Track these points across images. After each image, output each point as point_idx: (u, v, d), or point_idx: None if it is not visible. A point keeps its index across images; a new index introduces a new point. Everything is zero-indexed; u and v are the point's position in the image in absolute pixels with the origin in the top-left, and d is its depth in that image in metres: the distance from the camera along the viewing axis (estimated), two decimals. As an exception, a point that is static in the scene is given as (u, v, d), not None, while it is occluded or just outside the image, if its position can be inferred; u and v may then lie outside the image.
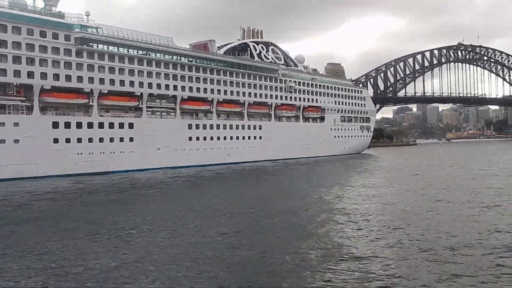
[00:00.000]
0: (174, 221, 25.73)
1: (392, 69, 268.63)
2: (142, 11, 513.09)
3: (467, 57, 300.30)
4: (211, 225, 24.25)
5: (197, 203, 32.11)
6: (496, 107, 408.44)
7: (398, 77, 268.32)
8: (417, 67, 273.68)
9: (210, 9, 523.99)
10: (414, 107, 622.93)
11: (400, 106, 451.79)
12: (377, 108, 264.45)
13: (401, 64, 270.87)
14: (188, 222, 25.55)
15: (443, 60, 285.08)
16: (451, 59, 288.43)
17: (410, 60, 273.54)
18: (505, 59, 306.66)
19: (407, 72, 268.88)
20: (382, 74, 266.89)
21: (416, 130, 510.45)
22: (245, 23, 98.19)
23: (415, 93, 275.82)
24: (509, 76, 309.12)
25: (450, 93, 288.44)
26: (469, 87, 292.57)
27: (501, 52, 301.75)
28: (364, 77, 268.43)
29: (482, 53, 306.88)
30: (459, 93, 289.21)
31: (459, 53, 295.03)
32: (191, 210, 29.72)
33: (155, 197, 37.72)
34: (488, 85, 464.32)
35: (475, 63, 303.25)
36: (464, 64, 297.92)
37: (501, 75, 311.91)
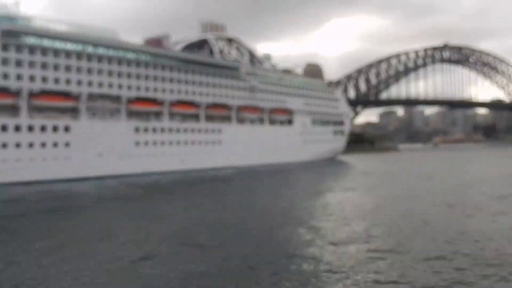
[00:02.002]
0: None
1: (374, 70, 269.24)
2: (112, 10, 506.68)
3: (453, 58, 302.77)
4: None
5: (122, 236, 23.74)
6: (484, 110, 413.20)
7: (381, 78, 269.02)
8: (401, 68, 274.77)
9: (179, 6, 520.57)
10: (399, 111, 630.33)
11: (385, 109, 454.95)
12: (358, 111, 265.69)
13: (384, 65, 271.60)
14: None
15: (429, 61, 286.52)
16: (437, 60, 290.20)
17: (394, 61, 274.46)
18: (492, 61, 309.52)
19: (391, 73, 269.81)
20: (364, 76, 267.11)
21: (401, 135, 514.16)
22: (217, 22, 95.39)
23: (398, 95, 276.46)
24: (497, 78, 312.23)
25: (436, 96, 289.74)
26: (456, 90, 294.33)
27: (488, 54, 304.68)
28: (345, 78, 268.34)
29: (469, 54, 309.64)
30: (445, 96, 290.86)
31: (445, 54, 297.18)
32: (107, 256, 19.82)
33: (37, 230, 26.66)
34: (475, 87, 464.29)
35: (462, 65, 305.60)
36: (450, 65, 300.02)
37: (489, 77, 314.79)
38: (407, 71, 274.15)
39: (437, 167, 79.53)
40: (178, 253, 19.63)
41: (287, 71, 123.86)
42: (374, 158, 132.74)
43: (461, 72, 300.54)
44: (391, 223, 25.07)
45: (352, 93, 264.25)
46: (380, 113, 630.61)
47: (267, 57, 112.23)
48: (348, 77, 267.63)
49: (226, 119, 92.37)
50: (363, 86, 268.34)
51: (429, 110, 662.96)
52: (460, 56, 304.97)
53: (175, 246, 20.89)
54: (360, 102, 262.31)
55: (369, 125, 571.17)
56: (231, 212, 30.88)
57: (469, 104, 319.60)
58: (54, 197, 45.01)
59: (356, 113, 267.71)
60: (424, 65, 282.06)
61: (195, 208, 33.23)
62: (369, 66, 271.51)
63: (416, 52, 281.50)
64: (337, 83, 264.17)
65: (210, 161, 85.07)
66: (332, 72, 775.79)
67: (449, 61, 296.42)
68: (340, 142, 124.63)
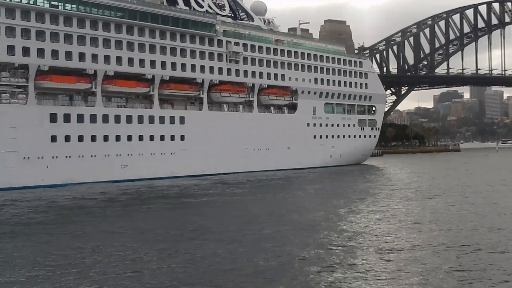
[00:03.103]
0: None
1: (428, 31, 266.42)
2: None
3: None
4: None
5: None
6: None
7: (437, 45, 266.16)
8: (466, 29, 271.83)
9: None
10: (465, 92, 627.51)
11: (441, 89, 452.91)
12: (403, 92, 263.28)
13: (442, 24, 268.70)
14: None
15: (508, 19, 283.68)
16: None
17: (456, 18, 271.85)
18: None
19: (451, 36, 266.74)
20: (412, 40, 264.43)
21: (469, 128, 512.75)
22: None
23: (463, 69, 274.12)
24: None
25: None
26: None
27: None
28: (383, 43, 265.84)
29: None
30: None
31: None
32: None
33: None
34: None
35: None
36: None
37: None
38: (476, 34, 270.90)
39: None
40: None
41: (292, 32, 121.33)
42: (427, 164, 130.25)
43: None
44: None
45: (394, 66, 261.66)
46: (437, 96, 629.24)
47: (261, 10, 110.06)
48: (388, 42, 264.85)
49: (193, 102, 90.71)
50: (410, 56, 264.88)
51: (509, 92, 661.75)
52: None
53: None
54: (406, 79, 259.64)
55: (420, 113, 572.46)
56: None
57: None
58: None
59: (400, 96, 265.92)
60: (502, 24, 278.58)
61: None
62: (420, 25, 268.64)
63: (490, 4, 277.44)
64: (372, 50, 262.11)
65: (165, 167, 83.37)
66: (365, 34, 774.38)
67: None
68: (370, 138, 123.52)
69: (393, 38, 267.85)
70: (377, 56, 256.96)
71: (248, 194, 62.36)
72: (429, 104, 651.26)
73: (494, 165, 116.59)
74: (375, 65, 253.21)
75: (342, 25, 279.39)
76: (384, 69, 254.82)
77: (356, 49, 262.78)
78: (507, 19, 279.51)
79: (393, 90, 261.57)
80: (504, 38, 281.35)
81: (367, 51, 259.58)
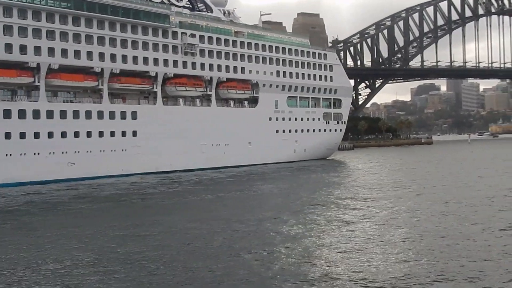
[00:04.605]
0: None
1: (401, 24, 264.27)
2: None
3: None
4: None
5: None
6: None
7: (411, 37, 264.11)
8: (440, 21, 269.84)
9: None
10: (442, 85, 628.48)
11: (418, 82, 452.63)
12: (377, 84, 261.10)
13: (416, 16, 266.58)
14: None
15: (481, 11, 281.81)
16: (493, 10, 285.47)
17: (430, 11, 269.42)
18: None
19: (425, 29, 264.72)
20: (386, 32, 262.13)
21: (446, 120, 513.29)
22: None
23: (437, 62, 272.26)
24: None
25: (491, 63, 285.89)
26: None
27: None
28: (357, 36, 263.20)
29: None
30: (504, 63, 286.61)
31: (506, 1, 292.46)
32: None
33: None
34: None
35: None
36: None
37: None
38: (450, 26, 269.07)
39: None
40: None
41: (266, 26, 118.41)
42: (396, 156, 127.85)
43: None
44: None
45: (368, 59, 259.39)
46: (414, 89, 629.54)
47: (221, 1, 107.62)
48: (363, 35, 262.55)
49: (146, 96, 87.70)
50: (384, 49, 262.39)
51: (485, 85, 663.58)
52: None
53: None
54: (380, 72, 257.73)
55: (397, 106, 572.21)
56: None
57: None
58: None
59: (374, 89, 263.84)
60: (476, 16, 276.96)
61: None
62: (394, 18, 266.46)
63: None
64: (346, 43, 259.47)
65: (117, 164, 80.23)
66: (343, 28, 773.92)
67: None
68: (336, 132, 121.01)
69: (367, 31, 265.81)
70: (351, 49, 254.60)
71: (190, 194, 58.42)
72: (407, 97, 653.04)
73: (452, 160, 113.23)
74: (349, 58, 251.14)
75: (315, 18, 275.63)
76: (358, 62, 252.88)
77: (330, 42, 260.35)
78: (480, 11, 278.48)
79: (368, 83, 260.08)
80: (477, 30, 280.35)
81: (341, 44, 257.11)
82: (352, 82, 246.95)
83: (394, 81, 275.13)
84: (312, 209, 43.23)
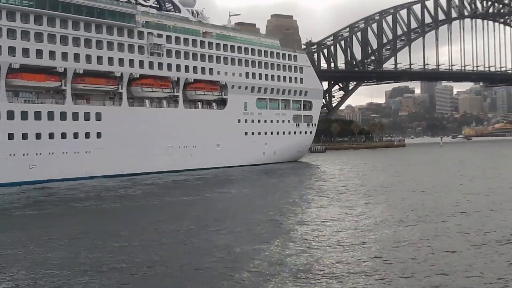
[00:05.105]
0: None
1: (375, 26, 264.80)
2: None
3: (491, 10, 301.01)
4: None
5: None
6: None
7: (385, 40, 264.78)
8: (414, 24, 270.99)
9: None
10: (416, 88, 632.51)
11: (393, 85, 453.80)
12: (351, 87, 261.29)
13: (390, 19, 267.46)
14: None
15: (454, 15, 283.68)
16: (469, 13, 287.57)
17: (404, 14, 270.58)
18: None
19: (399, 32, 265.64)
20: (359, 35, 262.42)
21: (420, 123, 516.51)
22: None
23: (410, 64, 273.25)
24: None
25: (464, 66, 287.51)
26: (495, 58, 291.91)
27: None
28: (331, 38, 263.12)
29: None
30: (477, 66, 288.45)
31: (479, 4, 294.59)
32: None
33: None
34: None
35: (503, 21, 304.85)
36: (486, 22, 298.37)
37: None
38: (423, 29, 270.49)
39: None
40: None
41: (239, 27, 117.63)
42: (368, 158, 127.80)
43: (502, 31, 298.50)
44: None
45: (342, 61, 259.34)
46: (389, 92, 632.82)
47: (189, 1, 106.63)
48: (336, 37, 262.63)
49: (111, 97, 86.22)
50: (358, 51, 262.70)
51: (459, 88, 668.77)
52: (501, 7, 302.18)
53: None
54: (354, 74, 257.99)
55: (372, 108, 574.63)
56: None
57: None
58: None
59: (348, 91, 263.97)
60: (449, 19, 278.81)
61: None
62: (368, 21, 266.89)
63: (437, 1, 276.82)
64: (319, 45, 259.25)
65: (81, 167, 78.64)
66: (317, 31, 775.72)
67: (486, 15, 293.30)
68: (306, 134, 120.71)
69: (341, 34, 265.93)
70: (325, 51, 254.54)
71: (142, 198, 57.07)
72: (382, 100, 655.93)
73: (420, 163, 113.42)
74: (323, 61, 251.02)
75: (289, 20, 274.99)
76: (332, 64, 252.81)
77: (304, 44, 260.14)
78: (454, 15, 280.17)
79: (341, 86, 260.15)
80: (451, 33, 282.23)
81: (315, 46, 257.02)
82: (325, 84, 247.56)
83: (368, 83, 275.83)
84: (263, 218, 40.97)
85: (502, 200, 46.43)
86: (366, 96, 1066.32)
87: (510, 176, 72.40)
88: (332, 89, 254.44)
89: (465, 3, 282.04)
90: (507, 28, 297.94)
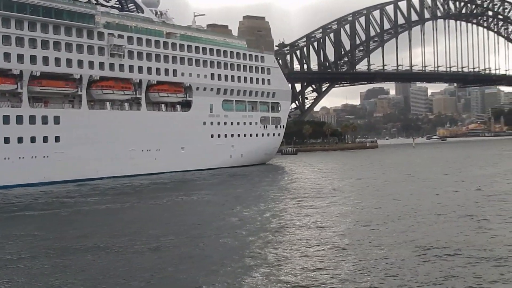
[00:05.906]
0: None
1: (348, 27, 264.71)
2: None
3: (464, 11, 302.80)
4: None
5: None
6: (510, 88, 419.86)
7: (358, 41, 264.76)
8: (386, 25, 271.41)
9: None
10: (391, 89, 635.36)
11: (368, 86, 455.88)
12: (324, 88, 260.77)
13: (362, 20, 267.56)
14: None
15: (427, 15, 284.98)
16: (442, 14, 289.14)
17: (377, 14, 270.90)
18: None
19: (372, 33, 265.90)
20: (332, 36, 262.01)
21: (394, 124, 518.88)
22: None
23: (383, 66, 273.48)
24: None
25: (437, 67, 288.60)
26: (468, 58, 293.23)
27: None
28: (304, 39, 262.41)
29: (487, 5, 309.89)
30: (450, 67, 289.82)
31: (452, 5, 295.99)
32: None
33: None
34: (496, 55, 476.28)
35: (476, 21, 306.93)
36: (459, 23, 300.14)
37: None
38: (396, 30, 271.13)
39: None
40: None
41: (210, 29, 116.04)
42: (338, 160, 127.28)
43: (475, 32, 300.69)
44: None
45: (314, 63, 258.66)
46: (364, 93, 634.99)
47: (153, 1, 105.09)
48: (309, 38, 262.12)
49: (71, 100, 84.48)
50: (331, 53, 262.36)
51: (433, 88, 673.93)
52: (474, 7, 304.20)
53: None
54: (327, 76, 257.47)
55: (347, 110, 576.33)
56: None
57: (486, 79, 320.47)
58: None
59: (321, 92, 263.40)
60: (422, 20, 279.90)
61: None
62: (341, 22, 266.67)
63: (410, 0, 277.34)
64: (292, 46, 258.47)
65: (38, 172, 76.82)
66: (292, 32, 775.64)
67: (459, 16, 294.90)
68: (274, 136, 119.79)
69: (313, 35, 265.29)
70: (298, 52, 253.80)
71: (95, 204, 55.34)
72: (357, 101, 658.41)
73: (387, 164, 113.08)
74: (296, 62, 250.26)
75: (261, 21, 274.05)
76: (305, 65, 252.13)
77: (277, 46, 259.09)
78: (426, 15, 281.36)
79: (314, 87, 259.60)
80: (424, 34, 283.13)
81: (288, 48, 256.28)
82: (298, 86, 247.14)
83: (341, 85, 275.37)
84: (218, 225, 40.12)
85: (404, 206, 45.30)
86: (341, 97, 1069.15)
87: (447, 181, 67.79)
88: (305, 91, 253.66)
89: (438, 4, 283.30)
90: (480, 28, 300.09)
